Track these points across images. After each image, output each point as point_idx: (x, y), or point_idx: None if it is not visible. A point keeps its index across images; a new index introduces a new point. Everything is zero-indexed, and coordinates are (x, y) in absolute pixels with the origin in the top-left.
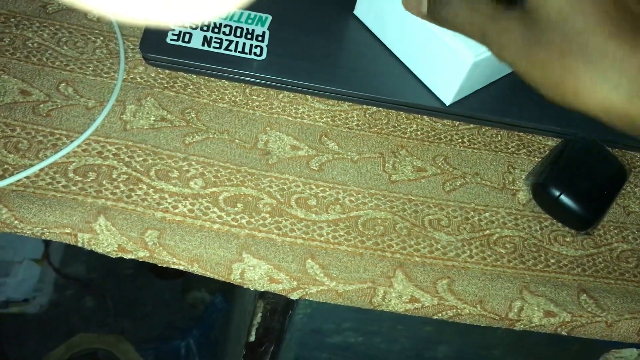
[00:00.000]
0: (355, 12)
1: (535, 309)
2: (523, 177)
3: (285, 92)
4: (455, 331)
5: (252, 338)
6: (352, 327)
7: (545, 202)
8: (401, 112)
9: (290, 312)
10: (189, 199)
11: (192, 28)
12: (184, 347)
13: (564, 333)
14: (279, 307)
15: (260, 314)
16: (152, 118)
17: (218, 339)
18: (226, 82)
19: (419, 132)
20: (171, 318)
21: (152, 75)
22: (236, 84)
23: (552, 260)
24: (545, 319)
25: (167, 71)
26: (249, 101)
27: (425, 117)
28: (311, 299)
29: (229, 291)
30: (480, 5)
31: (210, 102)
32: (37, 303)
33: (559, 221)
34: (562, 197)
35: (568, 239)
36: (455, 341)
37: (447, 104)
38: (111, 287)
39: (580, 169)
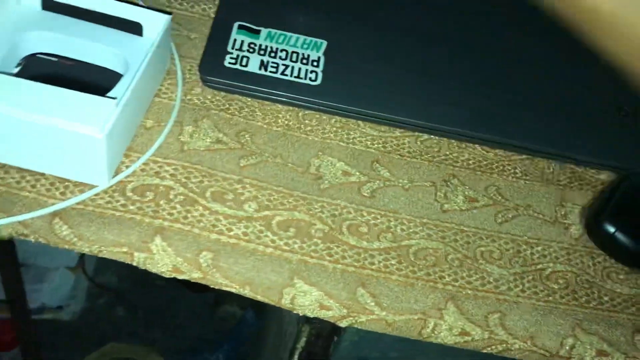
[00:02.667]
0: None
1: (588, 347)
2: (576, 211)
3: (337, 117)
4: None
5: None
6: (399, 357)
7: (599, 238)
8: (452, 141)
9: (335, 338)
10: (243, 221)
11: (249, 52)
12: None
13: None
14: (324, 332)
15: (304, 338)
16: (209, 140)
17: (249, 354)
18: (280, 105)
19: (470, 162)
20: (202, 331)
21: (209, 97)
22: (290, 107)
23: (606, 298)
24: (597, 358)
25: (223, 93)
26: (302, 125)
27: (477, 146)
28: (360, 327)
29: (260, 307)
30: None
31: (265, 126)
32: (70, 310)
33: (612, 257)
34: (617, 233)
35: (622, 277)
36: None
37: (105, 187)
38: (142, 298)
39: (636, 205)
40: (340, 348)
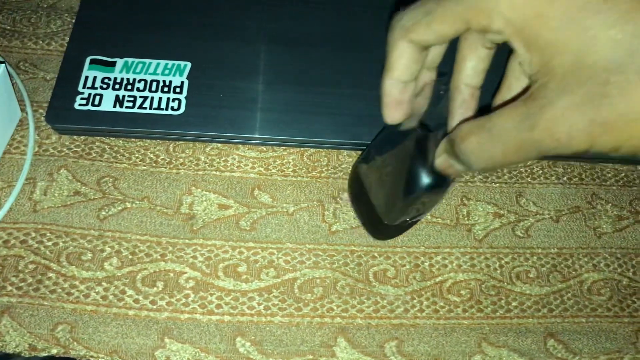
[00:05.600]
0: None
1: None
2: (480, 207)
3: (213, 143)
4: None
5: None
6: None
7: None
8: (343, 151)
9: None
10: (103, 283)
11: (102, 88)
12: None
13: None
14: None
15: None
16: (65, 194)
17: None
18: (147, 140)
19: None
20: None
21: (67, 143)
22: (159, 141)
23: (514, 304)
24: None
25: (83, 137)
26: (173, 159)
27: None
28: None
29: None
30: (503, 131)
31: (130, 166)
32: None
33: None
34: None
35: (532, 275)
36: None
37: None
38: None
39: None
40: None
